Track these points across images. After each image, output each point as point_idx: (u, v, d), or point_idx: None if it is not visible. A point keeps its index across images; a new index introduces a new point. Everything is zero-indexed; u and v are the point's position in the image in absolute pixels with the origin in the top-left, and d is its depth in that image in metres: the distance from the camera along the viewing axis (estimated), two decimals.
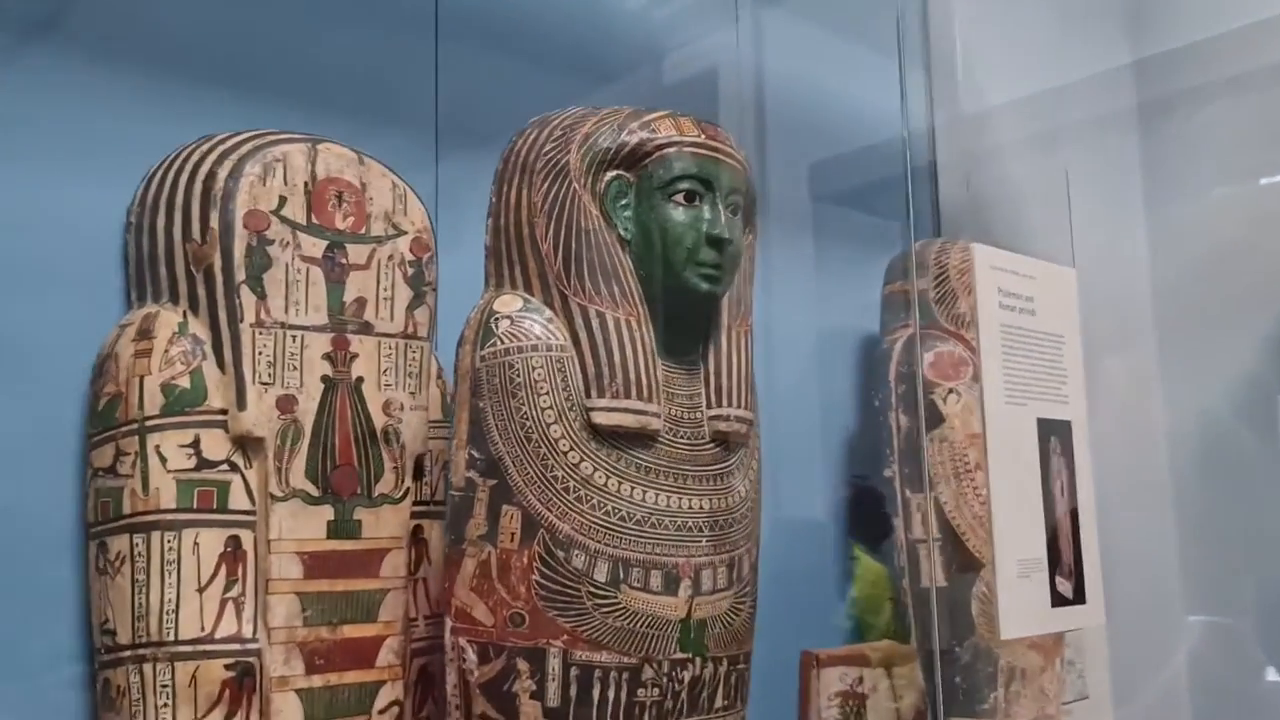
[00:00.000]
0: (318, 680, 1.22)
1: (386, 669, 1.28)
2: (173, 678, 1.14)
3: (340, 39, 1.50)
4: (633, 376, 1.21)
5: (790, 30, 2.17)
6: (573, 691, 1.16)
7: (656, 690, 1.21)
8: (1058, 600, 1.41)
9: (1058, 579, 1.42)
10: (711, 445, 1.29)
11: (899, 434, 1.98)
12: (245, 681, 1.18)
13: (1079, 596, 1.45)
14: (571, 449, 1.19)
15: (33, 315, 1.22)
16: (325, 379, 1.26)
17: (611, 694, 1.18)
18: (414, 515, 1.33)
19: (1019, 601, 1.36)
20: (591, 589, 1.18)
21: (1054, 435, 1.47)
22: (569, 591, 1.18)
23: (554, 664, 1.16)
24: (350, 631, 1.25)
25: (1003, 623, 1.34)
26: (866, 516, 2.01)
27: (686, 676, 1.24)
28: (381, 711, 1.27)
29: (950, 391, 1.93)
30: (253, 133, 1.28)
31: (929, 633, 1.90)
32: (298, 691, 1.21)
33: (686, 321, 1.29)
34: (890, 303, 2.13)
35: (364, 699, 1.26)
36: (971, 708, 1.88)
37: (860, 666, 1.71)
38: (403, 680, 1.29)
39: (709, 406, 1.29)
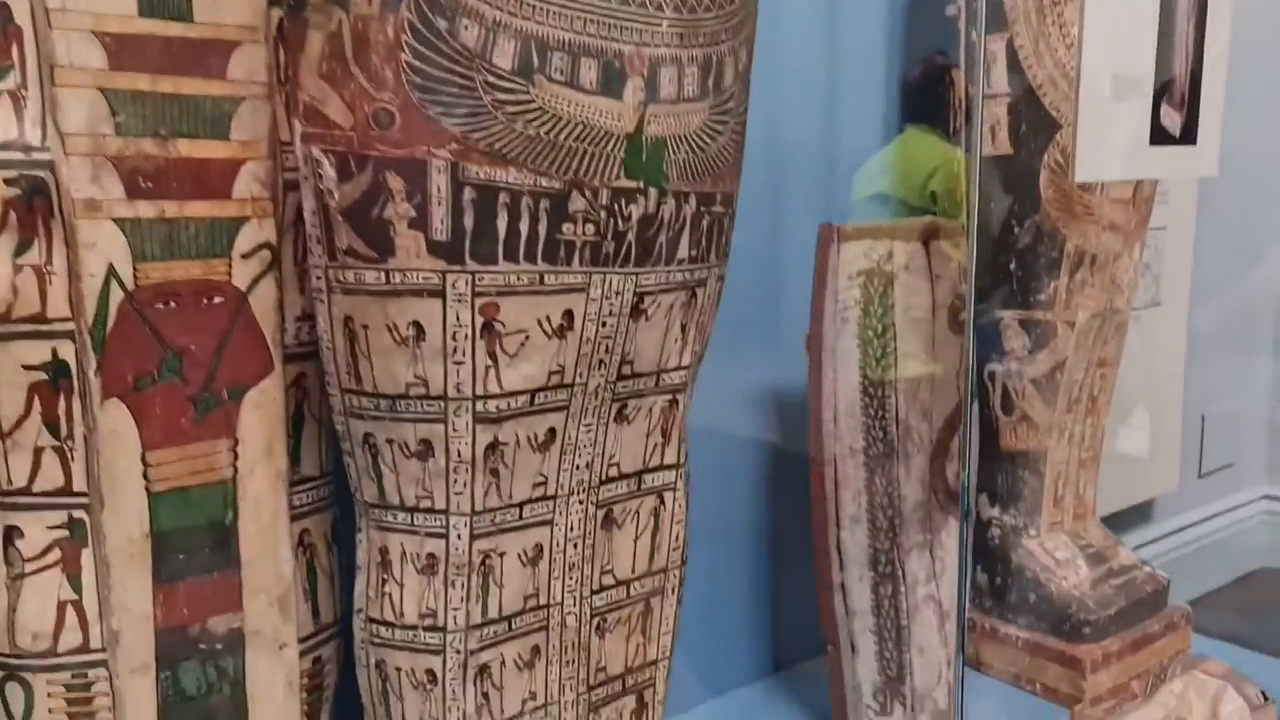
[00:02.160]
0: (147, 209, 0.92)
1: (249, 202, 0.97)
2: None
3: None
4: None
5: None
6: (468, 221, 0.85)
7: (591, 227, 0.89)
8: (1159, 136, 1.04)
9: (1164, 108, 1.04)
10: None
11: None
12: (36, 202, 0.88)
13: (1188, 136, 1.07)
14: None
15: None
16: None
17: (525, 227, 0.86)
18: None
19: (1106, 134, 0.99)
20: (490, 78, 0.83)
21: None
22: (457, 80, 0.82)
23: (439, 182, 0.83)
24: (189, 149, 0.93)
25: (1079, 161, 0.98)
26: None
27: (635, 213, 0.91)
28: (246, 255, 0.98)
29: None
30: None
31: (988, 207, 1.57)
32: (117, 221, 0.91)
33: None
34: None
35: (219, 238, 0.96)
36: (1025, 299, 1.58)
37: (890, 239, 1.38)
38: (274, 219, 0.99)
39: None
